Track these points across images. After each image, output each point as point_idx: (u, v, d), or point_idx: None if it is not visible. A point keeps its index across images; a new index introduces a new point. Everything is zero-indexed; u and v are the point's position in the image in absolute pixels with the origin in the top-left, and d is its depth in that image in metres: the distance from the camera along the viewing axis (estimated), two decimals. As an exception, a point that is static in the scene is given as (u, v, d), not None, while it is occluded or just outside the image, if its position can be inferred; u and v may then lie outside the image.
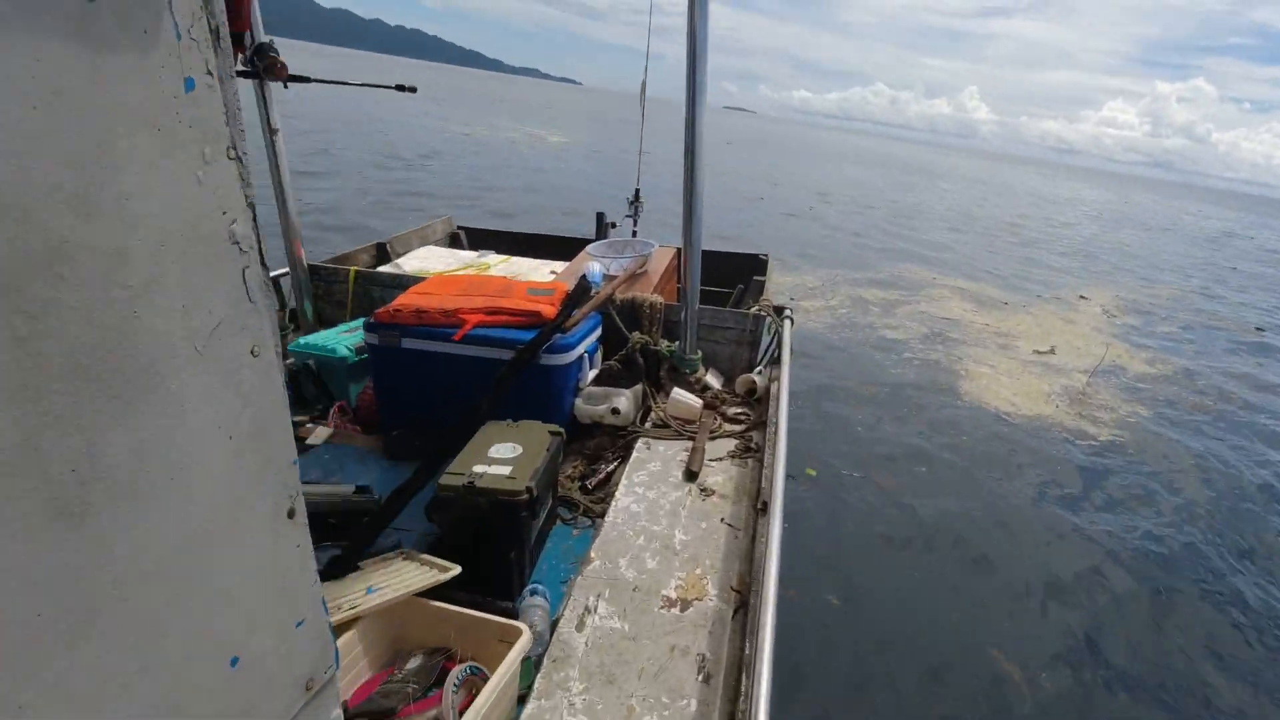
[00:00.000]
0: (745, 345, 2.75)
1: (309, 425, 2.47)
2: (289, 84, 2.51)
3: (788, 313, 2.84)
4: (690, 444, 2.30)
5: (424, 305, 2.35)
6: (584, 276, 2.60)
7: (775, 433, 2.12)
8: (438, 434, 2.32)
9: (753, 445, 2.29)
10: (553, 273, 3.33)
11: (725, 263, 3.83)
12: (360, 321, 2.76)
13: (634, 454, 2.23)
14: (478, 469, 1.71)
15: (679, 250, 3.60)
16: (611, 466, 2.28)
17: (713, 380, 2.70)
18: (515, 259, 3.55)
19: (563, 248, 3.85)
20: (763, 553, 1.61)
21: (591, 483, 2.20)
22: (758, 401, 2.62)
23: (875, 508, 3.93)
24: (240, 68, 2.43)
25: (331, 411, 2.52)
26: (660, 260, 3.32)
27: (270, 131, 2.68)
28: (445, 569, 1.48)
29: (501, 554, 1.66)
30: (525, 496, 1.64)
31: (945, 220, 19.70)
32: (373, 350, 2.38)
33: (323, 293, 3.07)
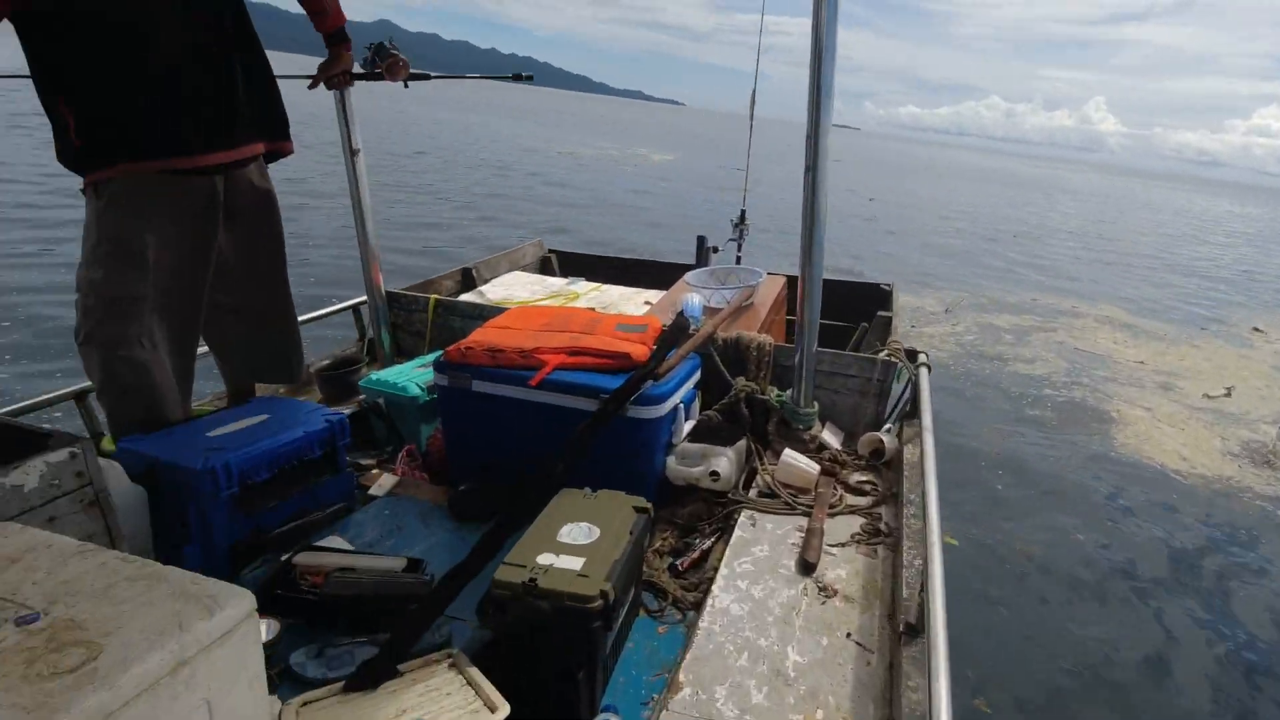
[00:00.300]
0: (871, 397, 2.31)
1: (375, 471, 2.25)
2: (409, 84, 2.39)
3: (924, 359, 2.38)
4: (804, 521, 1.89)
5: (499, 343, 2.08)
6: (681, 312, 2.26)
7: (922, 518, 1.68)
8: (509, 491, 2.04)
9: (883, 528, 1.86)
10: (647, 303, 3.01)
11: (841, 294, 3.38)
12: (435, 356, 2.54)
13: (736, 530, 1.85)
14: (543, 560, 1.38)
15: (789, 279, 3.20)
16: (708, 543, 1.91)
17: (830, 438, 2.28)
18: (606, 287, 3.26)
19: (659, 274, 3.53)
20: (918, 706, 1.19)
21: (684, 563, 1.84)
22: (885, 465, 2.17)
23: (1026, 592, 3.30)
24: (360, 70, 2.31)
25: (400, 456, 2.29)
26: (768, 291, 2.92)
27: (351, 153, 2.51)
28: (493, 706, 1.15)
29: (567, 673, 1.32)
30: (599, 603, 1.29)
31: (1075, 239, 18.06)
32: (442, 392, 2.13)
33: (402, 321, 2.88)
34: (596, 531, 1.49)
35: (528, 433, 2.05)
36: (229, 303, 2.04)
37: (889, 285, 3.47)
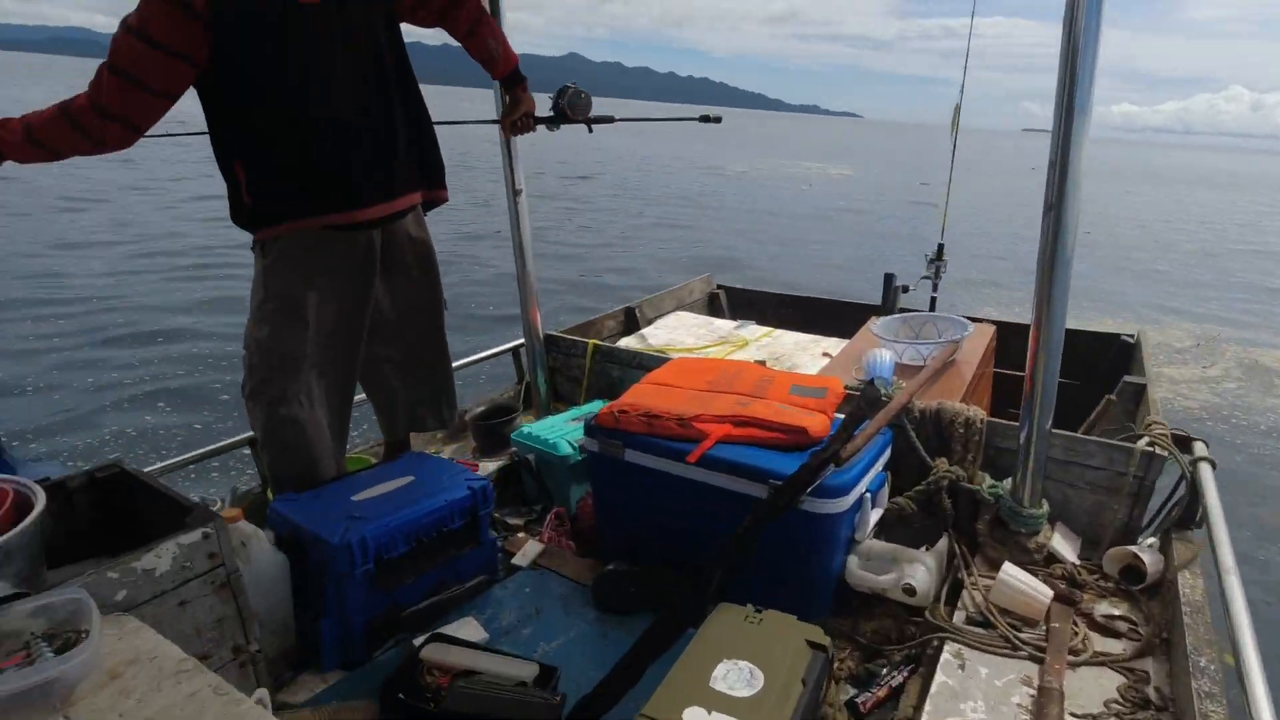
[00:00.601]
0: (1123, 496, 1.78)
1: (521, 535, 2.10)
2: (592, 128, 2.27)
3: (1202, 450, 1.80)
4: (1032, 670, 1.44)
5: (656, 407, 1.84)
6: (870, 382, 1.89)
7: (1222, 695, 1.20)
8: (657, 584, 1.79)
9: (1153, 697, 1.36)
10: (825, 355, 2.64)
11: (1066, 345, 2.76)
12: (591, 406, 2.37)
13: (938, 672, 1.45)
14: (690, 717, 1.10)
15: (998, 329, 2.68)
16: (899, 677, 1.53)
17: (1063, 547, 1.78)
18: (779, 333, 2.93)
19: (839, 318, 3.13)
20: None
21: (867, 702, 1.48)
22: (1144, 594, 1.65)
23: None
24: (544, 115, 2.21)
25: (548, 519, 2.13)
26: (973, 346, 2.44)
27: (514, 192, 2.43)
28: None
29: None
30: (760, 798, 0.99)
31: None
32: (592, 459, 1.94)
33: (560, 365, 2.76)
34: (760, 679, 1.19)
35: (684, 512, 1.80)
36: (385, 354, 2.00)
37: (1133, 335, 2.79)
